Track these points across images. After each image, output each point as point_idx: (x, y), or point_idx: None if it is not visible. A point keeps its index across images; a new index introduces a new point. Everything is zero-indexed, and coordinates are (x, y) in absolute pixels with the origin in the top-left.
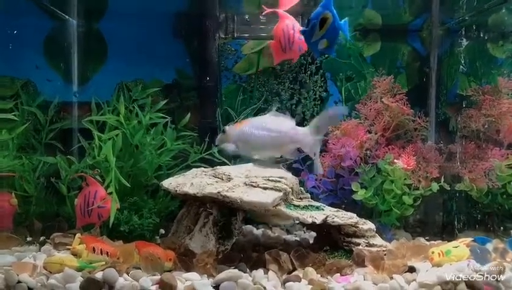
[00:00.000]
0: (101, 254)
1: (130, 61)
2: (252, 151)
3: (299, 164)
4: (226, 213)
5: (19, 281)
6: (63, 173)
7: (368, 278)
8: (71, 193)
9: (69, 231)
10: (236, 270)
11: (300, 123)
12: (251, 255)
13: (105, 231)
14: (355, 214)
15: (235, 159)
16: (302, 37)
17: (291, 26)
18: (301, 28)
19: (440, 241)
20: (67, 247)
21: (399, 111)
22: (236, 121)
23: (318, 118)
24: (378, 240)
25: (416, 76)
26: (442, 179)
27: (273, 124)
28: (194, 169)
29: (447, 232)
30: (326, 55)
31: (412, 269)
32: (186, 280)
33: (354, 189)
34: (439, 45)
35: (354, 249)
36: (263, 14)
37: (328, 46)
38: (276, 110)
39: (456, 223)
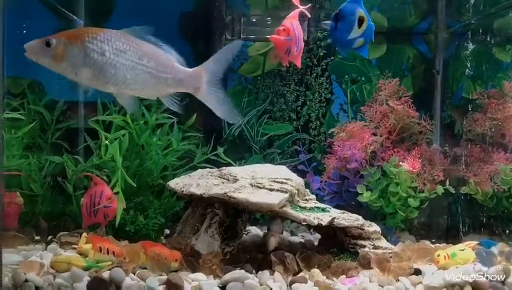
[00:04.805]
0: (107, 254)
1: None
2: (106, 85)
3: (304, 166)
4: (231, 214)
5: (26, 280)
6: (69, 172)
7: (374, 280)
8: (77, 192)
9: (75, 231)
10: (242, 271)
11: (306, 125)
12: (256, 257)
13: (111, 231)
14: (360, 216)
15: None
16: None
17: None
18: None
19: (445, 244)
20: (74, 246)
21: (404, 114)
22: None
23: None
24: (383, 243)
25: (422, 79)
26: (447, 182)
27: (147, 53)
28: (200, 170)
29: (451, 236)
30: (332, 58)
31: (417, 272)
32: (192, 281)
33: (359, 191)
34: (445, 48)
35: (359, 251)
36: None
37: (363, 45)
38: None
39: (460, 226)
